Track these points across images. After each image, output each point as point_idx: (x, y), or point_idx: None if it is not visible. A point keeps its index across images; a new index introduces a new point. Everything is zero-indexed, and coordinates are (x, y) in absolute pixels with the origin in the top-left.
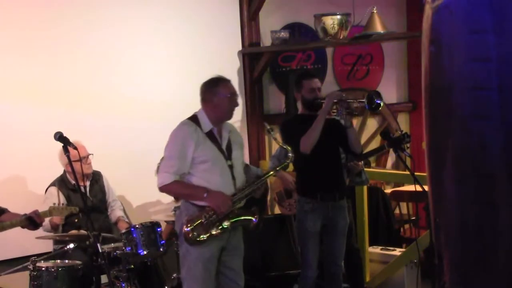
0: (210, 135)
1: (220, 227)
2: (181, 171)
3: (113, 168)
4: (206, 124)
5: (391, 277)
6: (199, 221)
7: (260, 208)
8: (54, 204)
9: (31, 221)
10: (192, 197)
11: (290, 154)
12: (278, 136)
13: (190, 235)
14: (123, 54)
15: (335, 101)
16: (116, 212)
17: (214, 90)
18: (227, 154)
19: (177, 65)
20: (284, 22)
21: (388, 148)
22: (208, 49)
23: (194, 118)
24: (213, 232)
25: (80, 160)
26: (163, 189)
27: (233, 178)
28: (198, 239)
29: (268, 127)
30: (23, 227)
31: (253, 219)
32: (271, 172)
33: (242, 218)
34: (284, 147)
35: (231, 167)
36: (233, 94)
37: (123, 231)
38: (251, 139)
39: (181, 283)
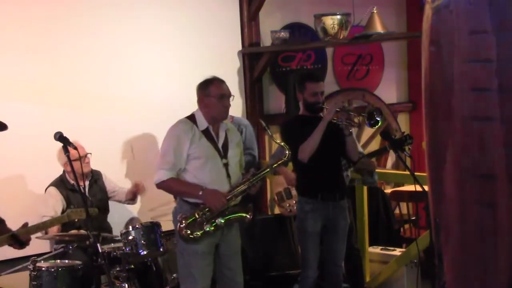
0: (206, 133)
1: (214, 224)
2: (177, 167)
3: (112, 168)
4: (202, 122)
5: (391, 277)
6: (193, 218)
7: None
8: (73, 207)
9: (16, 240)
10: (187, 195)
11: (287, 152)
12: (275, 134)
13: (183, 232)
14: (122, 54)
15: (337, 109)
16: (123, 190)
17: (205, 90)
18: (223, 152)
19: (177, 65)
20: (284, 22)
21: (390, 149)
22: (208, 49)
23: (191, 117)
24: (207, 229)
25: (79, 159)
26: (159, 186)
27: (228, 176)
28: (192, 236)
29: (264, 124)
30: (9, 245)
31: (247, 215)
32: (267, 170)
33: (237, 215)
34: (282, 144)
35: (226, 165)
36: (223, 95)
37: (123, 231)
38: None
39: None
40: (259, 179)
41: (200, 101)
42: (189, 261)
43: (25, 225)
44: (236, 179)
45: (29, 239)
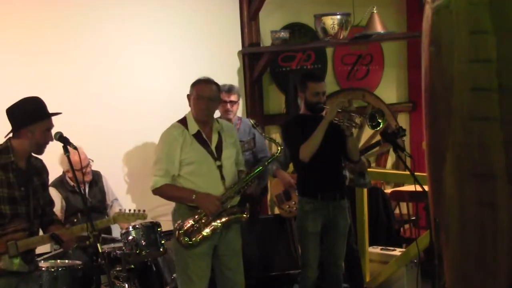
0: (197, 136)
1: (212, 227)
2: (170, 173)
3: (112, 169)
4: (193, 125)
5: (391, 277)
6: (190, 224)
7: (256, 203)
8: (121, 210)
9: (55, 240)
10: (181, 200)
11: (279, 148)
12: (274, 134)
13: (182, 239)
14: (122, 54)
15: (338, 110)
16: (115, 210)
17: (191, 89)
18: (217, 154)
19: (177, 65)
20: (284, 22)
21: (384, 143)
22: (208, 49)
23: (183, 120)
24: (205, 234)
25: (81, 169)
26: (155, 192)
27: (223, 178)
28: (190, 242)
29: (252, 122)
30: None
31: (244, 215)
32: (260, 167)
33: (234, 216)
34: (275, 141)
35: (220, 167)
36: (200, 96)
37: (123, 231)
38: None
39: None
40: (253, 178)
41: (188, 98)
42: (187, 263)
43: (66, 226)
44: (232, 180)
45: (72, 240)
